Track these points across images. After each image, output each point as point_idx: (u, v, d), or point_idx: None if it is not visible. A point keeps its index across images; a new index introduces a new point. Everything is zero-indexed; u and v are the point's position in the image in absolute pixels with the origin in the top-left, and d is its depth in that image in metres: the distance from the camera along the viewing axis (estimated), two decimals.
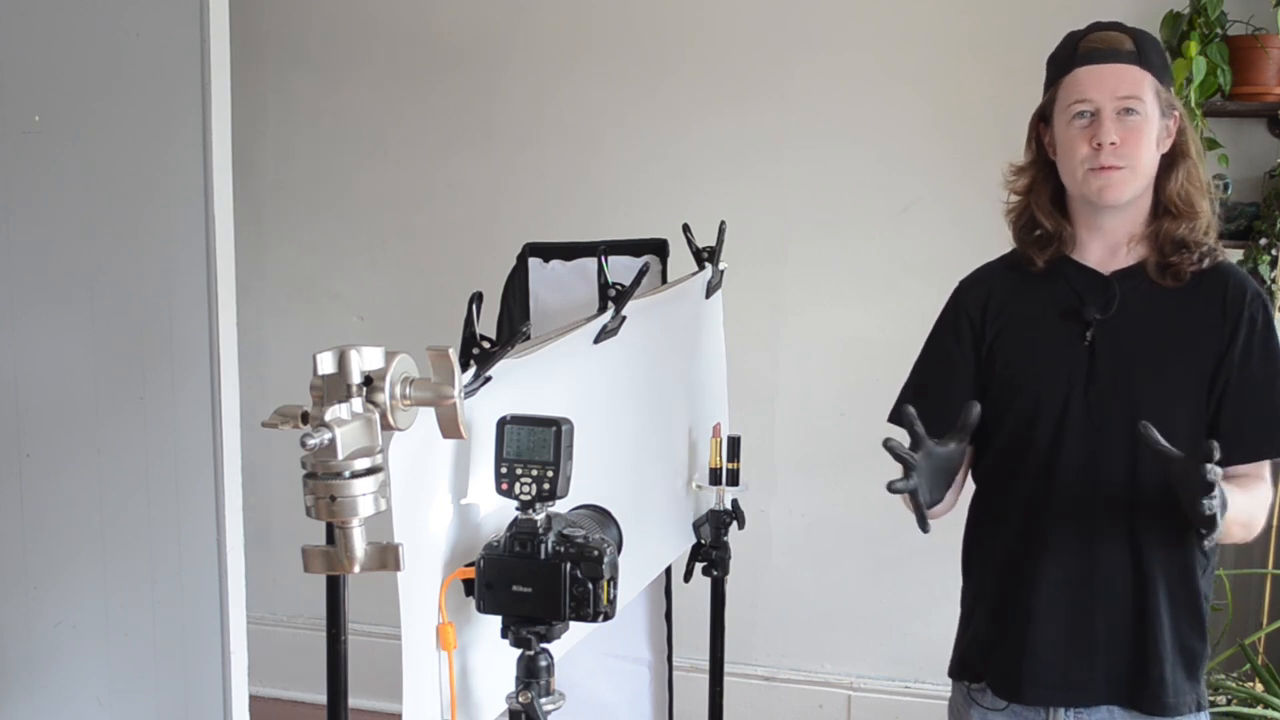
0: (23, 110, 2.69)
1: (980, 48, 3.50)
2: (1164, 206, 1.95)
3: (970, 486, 2.08)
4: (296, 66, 4.05)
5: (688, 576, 2.56)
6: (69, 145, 2.75)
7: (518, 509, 1.61)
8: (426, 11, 3.93)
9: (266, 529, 3.75)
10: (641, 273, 2.13)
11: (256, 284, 4.00)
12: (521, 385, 1.78)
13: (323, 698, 1.69)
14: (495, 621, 1.64)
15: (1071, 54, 1.92)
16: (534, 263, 2.55)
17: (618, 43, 3.78)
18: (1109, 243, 1.97)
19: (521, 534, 1.60)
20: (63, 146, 2.74)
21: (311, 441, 1.28)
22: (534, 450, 1.60)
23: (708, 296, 2.60)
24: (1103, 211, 1.94)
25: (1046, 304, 1.99)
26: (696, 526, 2.50)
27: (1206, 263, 1.94)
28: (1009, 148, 2.07)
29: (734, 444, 2.48)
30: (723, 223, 2.57)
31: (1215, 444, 1.63)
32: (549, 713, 1.66)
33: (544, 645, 1.64)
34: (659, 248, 2.53)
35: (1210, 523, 1.66)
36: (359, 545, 1.37)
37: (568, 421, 1.61)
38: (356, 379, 1.35)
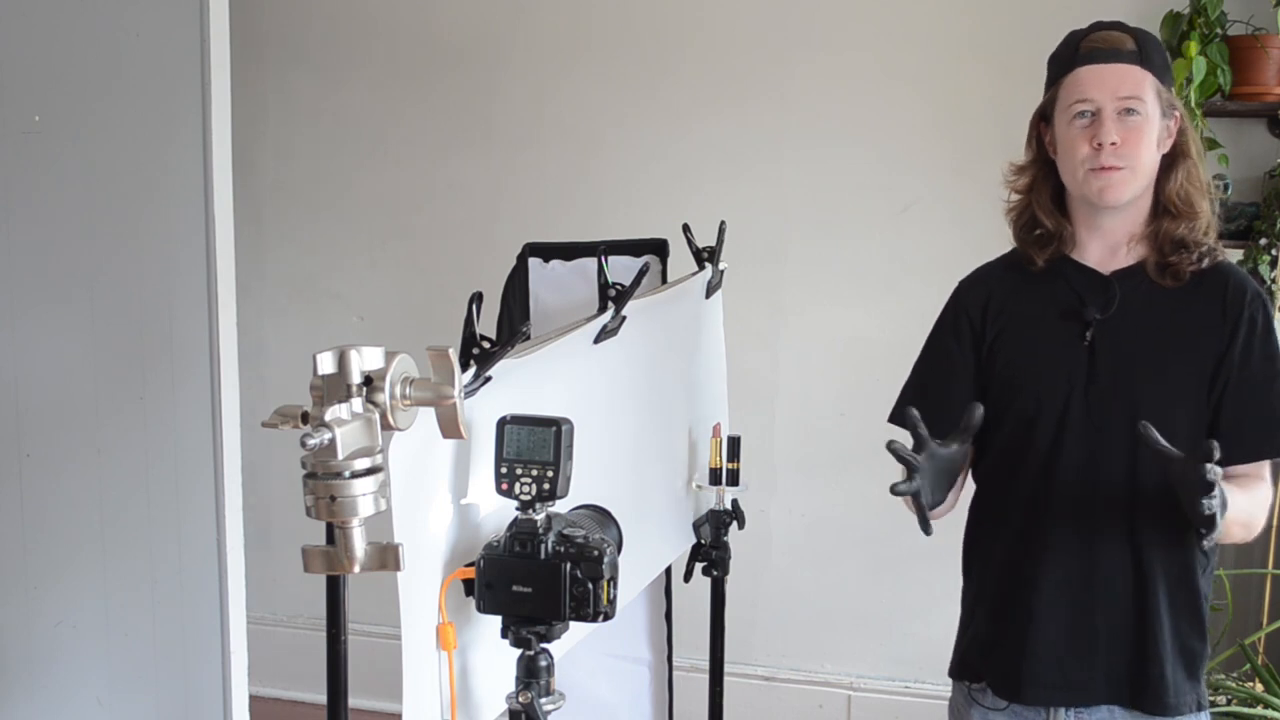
0: (23, 110, 2.69)
1: (980, 48, 3.50)
2: (1164, 206, 1.95)
3: (970, 487, 2.08)
4: (296, 66, 4.05)
5: (688, 576, 2.56)
6: (69, 145, 2.75)
7: (518, 509, 1.61)
8: (426, 11, 3.93)
9: (266, 529, 3.75)
10: (641, 273, 2.13)
11: (256, 284, 4.00)
12: (521, 385, 1.78)
13: (323, 698, 1.69)
14: (495, 621, 1.64)
15: (1073, 53, 1.92)
16: (534, 263, 2.55)
17: (618, 43, 3.78)
18: (1109, 242, 1.97)
19: (521, 534, 1.60)
20: (63, 146, 2.74)
21: (311, 441, 1.28)
22: (534, 450, 1.60)
23: (708, 296, 2.60)
24: (1102, 211, 1.94)
25: (1046, 304, 1.99)
26: (696, 526, 2.50)
27: (1206, 263, 1.94)
28: (1009, 148, 2.07)
29: (734, 444, 2.48)
30: (723, 223, 2.57)
31: (1215, 444, 1.63)
32: (549, 713, 1.66)
33: (544, 645, 1.64)
34: (659, 248, 2.53)
35: (1210, 523, 1.66)
36: (359, 545, 1.37)
37: (568, 421, 1.61)
38: (356, 379, 1.35)
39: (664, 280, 2.53)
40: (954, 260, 2.19)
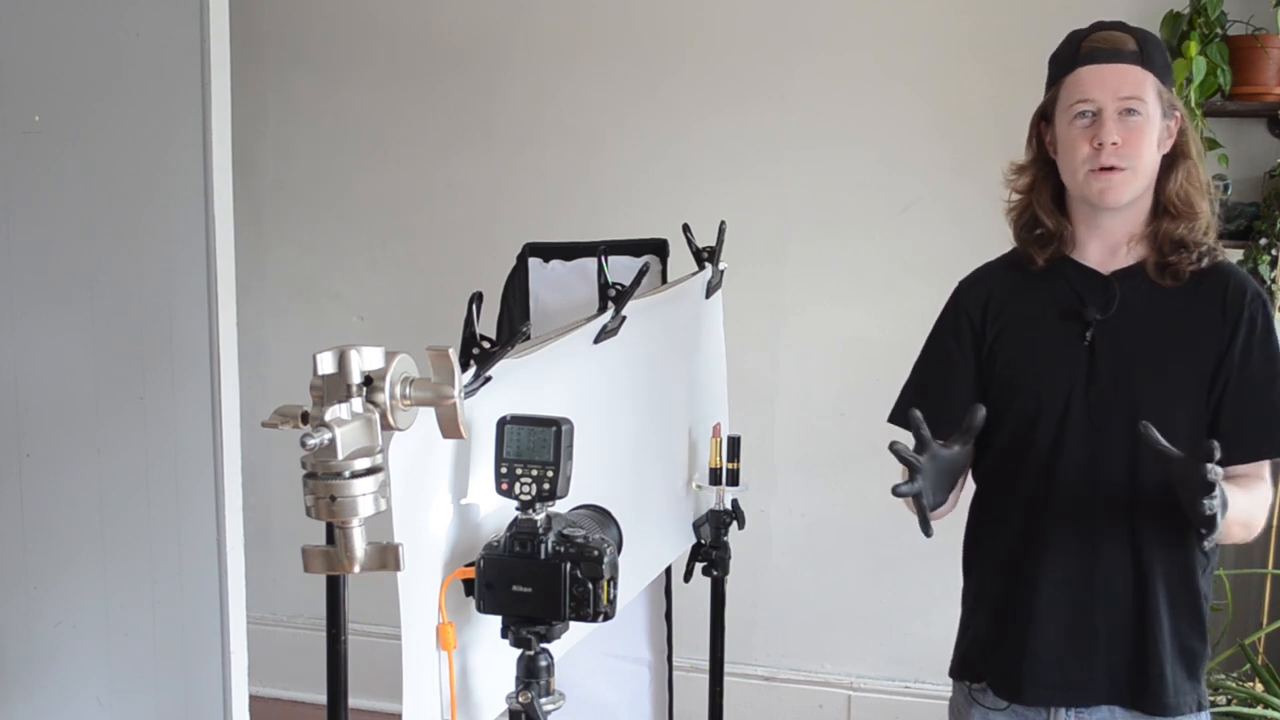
0: (23, 110, 2.69)
1: (980, 48, 3.50)
2: (1164, 207, 1.95)
3: (970, 487, 2.08)
4: (296, 66, 4.05)
5: (688, 576, 2.56)
6: (69, 145, 2.75)
7: (518, 509, 1.61)
8: (426, 11, 3.93)
9: (266, 529, 3.75)
10: (641, 273, 2.13)
11: (256, 284, 4.00)
12: (521, 385, 1.78)
13: (323, 698, 1.69)
14: (495, 621, 1.64)
15: (1074, 53, 1.92)
16: (534, 263, 2.55)
17: (618, 43, 3.78)
18: (1109, 242, 1.97)
19: (521, 534, 1.60)
20: (63, 146, 2.74)
21: (311, 441, 1.28)
22: (534, 450, 1.60)
23: (708, 296, 2.60)
24: (1102, 211, 1.94)
25: (1046, 304, 1.99)
26: (696, 526, 2.50)
27: (1206, 263, 1.94)
28: (1009, 148, 2.07)
29: (734, 444, 2.48)
30: (723, 223, 2.57)
31: (1216, 444, 1.63)
32: (549, 713, 1.66)
33: (544, 645, 1.64)
34: (659, 248, 2.53)
35: (1210, 523, 1.66)
36: (359, 545, 1.37)
37: (568, 421, 1.61)
38: (356, 379, 1.35)
39: (664, 280, 2.53)
40: (954, 260, 2.19)
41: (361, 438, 1.34)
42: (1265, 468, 1.93)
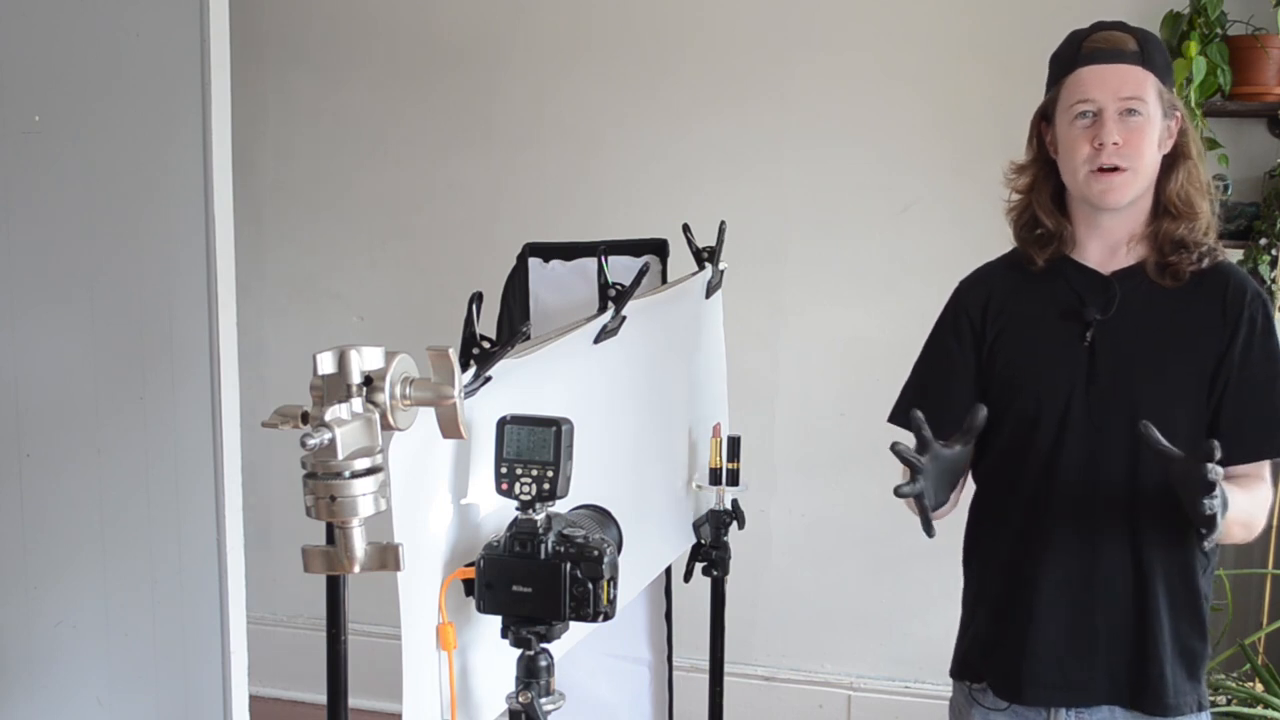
0: (23, 110, 2.69)
1: (980, 48, 3.50)
2: (1164, 207, 1.95)
3: (970, 486, 2.08)
4: (296, 66, 4.05)
5: (688, 576, 2.56)
6: (69, 145, 2.75)
7: (518, 509, 1.61)
8: (426, 11, 3.93)
9: (266, 529, 3.75)
10: (641, 273, 2.13)
11: (256, 284, 4.00)
12: (521, 385, 1.78)
13: (323, 698, 1.69)
14: (495, 621, 1.64)
15: (1075, 53, 1.92)
16: (534, 263, 2.55)
17: (618, 43, 3.78)
18: (1109, 242, 1.97)
19: (521, 534, 1.60)
20: (63, 146, 2.74)
21: (311, 441, 1.28)
22: (534, 450, 1.60)
23: (708, 296, 2.60)
24: (1103, 211, 1.94)
25: (1046, 304, 1.99)
26: (696, 526, 2.50)
27: (1206, 263, 1.94)
28: (1009, 148, 2.07)
29: (734, 444, 2.48)
30: (723, 223, 2.57)
31: (1216, 443, 1.63)
32: (549, 713, 1.66)
33: (544, 645, 1.64)
34: (659, 248, 2.53)
35: (1211, 522, 1.66)
36: (359, 545, 1.37)
37: (568, 421, 1.61)
38: (356, 379, 1.35)
39: (664, 280, 2.53)
40: (954, 260, 2.19)
41: (361, 438, 1.34)
42: (1265, 468, 1.93)
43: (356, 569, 1.38)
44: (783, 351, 3.73)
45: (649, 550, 2.31)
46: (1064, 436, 1.93)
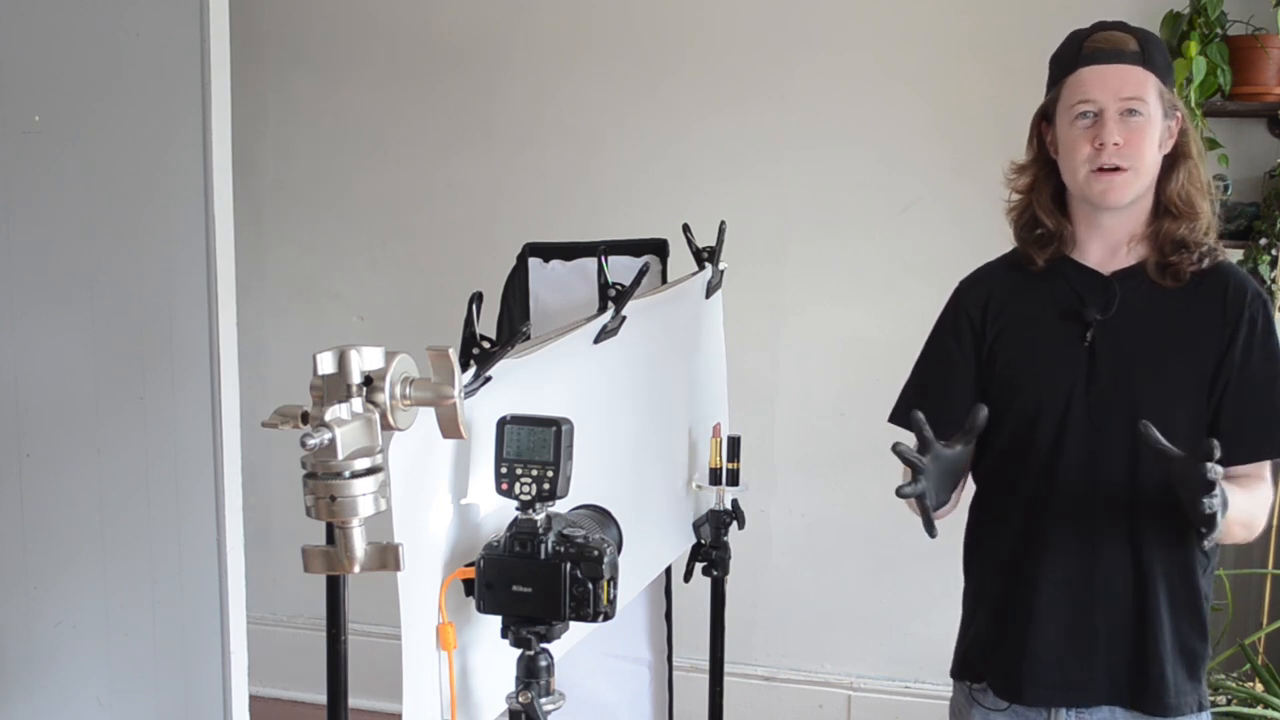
0: (23, 110, 2.69)
1: (980, 48, 3.50)
2: (1164, 207, 1.95)
3: (970, 486, 2.08)
4: (296, 66, 4.05)
5: (688, 576, 2.56)
6: (69, 145, 2.75)
7: (518, 509, 1.61)
8: (426, 11, 3.93)
9: (266, 529, 3.75)
10: (641, 273, 2.13)
11: (256, 284, 4.00)
12: (521, 385, 1.78)
13: (323, 698, 1.69)
14: (495, 621, 1.64)
15: (1075, 54, 1.92)
16: (534, 263, 2.55)
17: (618, 43, 3.78)
18: (1109, 242, 1.97)
19: (521, 534, 1.60)
20: (63, 146, 2.74)
21: (311, 441, 1.28)
22: (534, 450, 1.60)
23: (708, 296, 2.60)
24: (1103, 212, 1.94)
25: (1046, 304, 1.99)
26: (696, 526, 2.50)
27: (1206, 263, 1.94)
28: (1009, 148, 2.07)
29: (734, 444, 2.48)
30: (723, 223, 2.57)
31: (1215, 443, 1.63)
32: (549, 713, 1.66)
33: (544, 645, 1.64)
34: (659, 248, 2.53)
35: (1211, 522, 1.66)
36: (359, 545, 1.37)
37: (568, 421, 1.61)
38: (356, 379, 1.35)
39: (664, 280, 2.53)
40: (954, 260, 2.19)
41: (361, 438, 1.34)
42: (1266, 468, 1.93)
43: (356, 569, 1.38)
44: (783, 351, 3.73)
45: (649, 550, 2.31)
46: (1064, 436, 1.93)
